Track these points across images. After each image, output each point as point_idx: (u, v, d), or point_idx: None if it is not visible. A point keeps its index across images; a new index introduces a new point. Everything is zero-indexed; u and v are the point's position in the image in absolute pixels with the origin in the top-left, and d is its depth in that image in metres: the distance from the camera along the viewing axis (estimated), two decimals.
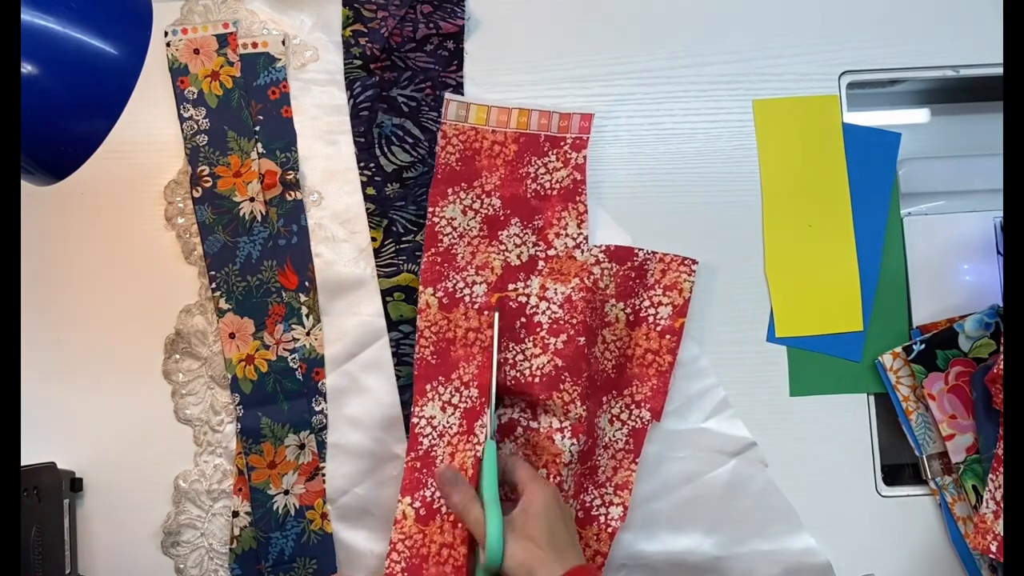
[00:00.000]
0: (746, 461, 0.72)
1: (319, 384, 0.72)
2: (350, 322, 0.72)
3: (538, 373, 0.68)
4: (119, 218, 0.74)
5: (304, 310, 0.72)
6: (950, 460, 0.71)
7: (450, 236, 0.72)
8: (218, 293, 0.72)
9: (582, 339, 0.68)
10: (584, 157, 0.73)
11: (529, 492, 0.62)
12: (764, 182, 0.75)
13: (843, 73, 0.77)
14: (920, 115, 0.88)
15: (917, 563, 0.72)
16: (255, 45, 0.75)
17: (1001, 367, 0.68)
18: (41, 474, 0.67)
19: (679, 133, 0.76)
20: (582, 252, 0.72)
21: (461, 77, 0.75)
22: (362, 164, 0.74)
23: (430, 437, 0.69)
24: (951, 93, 0.86)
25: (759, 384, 0.73)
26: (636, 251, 0.72)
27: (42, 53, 0.49)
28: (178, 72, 0.74)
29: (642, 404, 0.70)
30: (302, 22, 0.76)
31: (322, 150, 0.74)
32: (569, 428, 0.67)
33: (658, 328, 0.71)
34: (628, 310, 0.72)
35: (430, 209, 0.72)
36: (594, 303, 0.70)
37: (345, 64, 0.75)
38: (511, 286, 0.72)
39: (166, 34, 0.74)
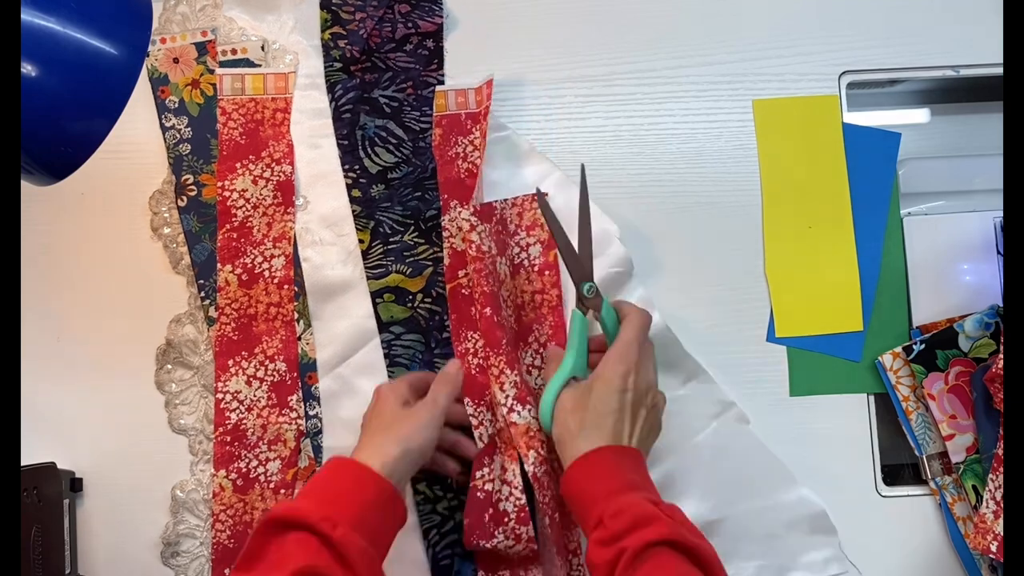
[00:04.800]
0: (727, 422, 0.72)
1: (312, 388, 0.71)
2: (341, 325, 0.72)
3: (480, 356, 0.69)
4: (110, 224, 0.74)
5: (295, 315, 0.72)
6: (950, 460, 0.71)
7: (243, 209, 0.73)
8: (207, 302, 0.72)
9: (488, 310, 0.68)
10: (486, 124, 0.72)
11: (602, 362, 0.62)
12: (764, 182, 0.75)
13: (843, 73, 0.77)
14: (920, 115, 0.88)
15: (917, 563, 0.72)
16: (234, 52, 0.75)
17: (1000, 366, 0.68)
18: (41, 474, 0.66)
19: (679, 133, 0.76)
20: (451, 219, 0.72)
21: (442, 75, 0.75)
22: (346, 167, 0.74)
23: (238, 411, 0.71)
24: (951, 93, 0.86)
25: (759, 384, 0.73)
26: (494, 204, 0.72)
27: (42, 53, 0.49)
28: (158, 82, 0.75)
29: (547, 344, 0.70)
30: (283, 22, 0.76)
31: (306, 154, 0.74)
32: (514, 398, 0.67)
33: (535, 268, 0.71)
34: (506, 263, 0.72)
35: (219, 184, 0.73)
36: (486, 269, 0.70)
37: (325, 67, 0.75)
38: (461, 272, 0.72)
39: None
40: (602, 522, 0.55)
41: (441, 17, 0.75)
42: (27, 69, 0.48)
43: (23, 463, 0.66)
